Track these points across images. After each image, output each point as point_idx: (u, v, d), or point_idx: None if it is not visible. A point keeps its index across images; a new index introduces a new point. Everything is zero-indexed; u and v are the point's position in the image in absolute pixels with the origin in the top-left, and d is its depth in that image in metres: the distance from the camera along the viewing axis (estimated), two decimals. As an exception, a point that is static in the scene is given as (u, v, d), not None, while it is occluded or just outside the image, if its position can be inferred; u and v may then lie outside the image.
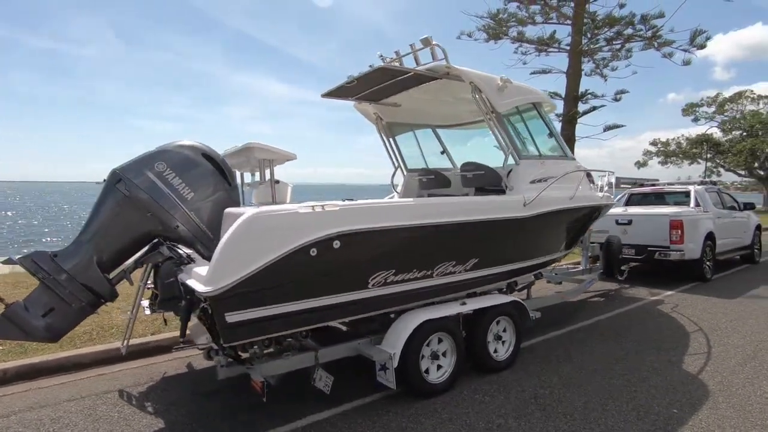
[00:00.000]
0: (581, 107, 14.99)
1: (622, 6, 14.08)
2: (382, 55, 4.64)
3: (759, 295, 7.52)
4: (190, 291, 3.16)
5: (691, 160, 36.10)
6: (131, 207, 3.47)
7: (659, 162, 37.96)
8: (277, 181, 4.56)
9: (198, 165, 3.66)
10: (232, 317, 2.88)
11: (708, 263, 8.51)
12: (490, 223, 4.21)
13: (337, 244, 3.19)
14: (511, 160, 4.81)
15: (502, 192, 4.89)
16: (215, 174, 3.72)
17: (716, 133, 34.60)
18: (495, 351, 4.33)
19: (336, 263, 3.23)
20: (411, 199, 4.94)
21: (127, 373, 4.47)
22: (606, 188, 6.37)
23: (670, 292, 7.66)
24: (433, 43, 4.30)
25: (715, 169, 35.76)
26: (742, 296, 7.41)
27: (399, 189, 6.66)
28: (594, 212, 6.04)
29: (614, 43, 15.57)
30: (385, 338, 3.75)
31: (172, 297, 3.65)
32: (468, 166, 5.34)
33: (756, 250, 10.52)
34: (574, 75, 15.54)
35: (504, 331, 4.43)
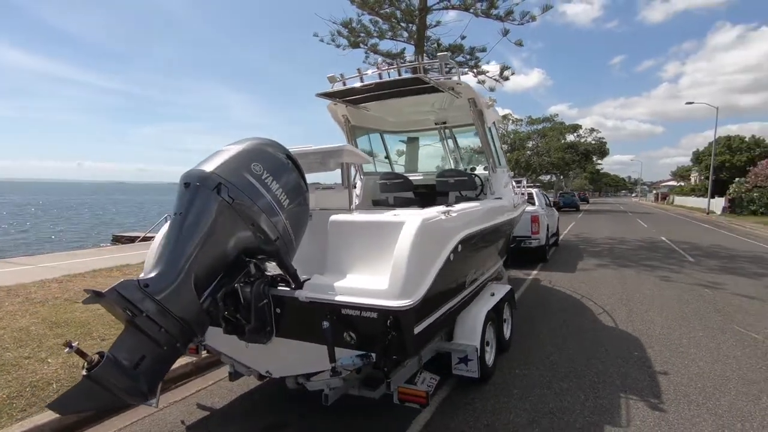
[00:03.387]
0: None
1: (463, 38, 16.77)
2: (379, 64, 4.87)
3: (583, 267, 10.51)
4: (335, 309, 2.83)
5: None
6: (234, 217, 2.79)
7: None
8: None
9: (287, 167, 3.17)
10: (418, 328, 2.77)
11: (547, 248, 11.35)
12: (508, 223, 4.93)
13: (459, 247, 3.37)
14: (480, 168, 5.67)
15: (476, 197, 5.68)
16: (299, 178, 3.31)
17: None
18: (504, 332, 5.09)
19: (457, 266, 3.40)
20: (490, 202, 5.01)
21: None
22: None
23: (535, 272, 9.94)
24: (451, 60, 4.75)
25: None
26: (577, 269, 10.23)
27: (357, 191, 6.73)
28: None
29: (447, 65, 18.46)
30: (457, 333, 4.02)
31: (264, 324, 3.09)
32: (449, 172, 5.93)
33: (558, 237, 14.48)
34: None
35: (508, 314, 5.23)
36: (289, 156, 3.23)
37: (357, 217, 3.20)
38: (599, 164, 58.66)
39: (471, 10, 17.12)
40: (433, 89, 5.02)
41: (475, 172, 6.09)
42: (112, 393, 2.29)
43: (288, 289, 3.09)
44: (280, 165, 3.11)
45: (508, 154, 40.76)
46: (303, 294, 2.94)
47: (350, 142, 6.47)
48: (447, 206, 3.74)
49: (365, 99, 5.52)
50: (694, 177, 62.02)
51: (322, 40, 17.38)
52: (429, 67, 5.64)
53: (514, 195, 6.09)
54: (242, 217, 2.82)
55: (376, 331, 2.79)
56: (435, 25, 17.82)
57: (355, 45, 17.31)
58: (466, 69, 18.49)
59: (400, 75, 5.09)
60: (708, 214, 34.87)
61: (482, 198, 5.65)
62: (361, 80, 5.76)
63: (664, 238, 17.20)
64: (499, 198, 5.37)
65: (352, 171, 4.48)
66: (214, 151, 3.07)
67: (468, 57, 17.78)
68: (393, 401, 3.14)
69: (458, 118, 6.67)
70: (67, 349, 2.20)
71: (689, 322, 6.20)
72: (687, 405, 3.82)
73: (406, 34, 18.01)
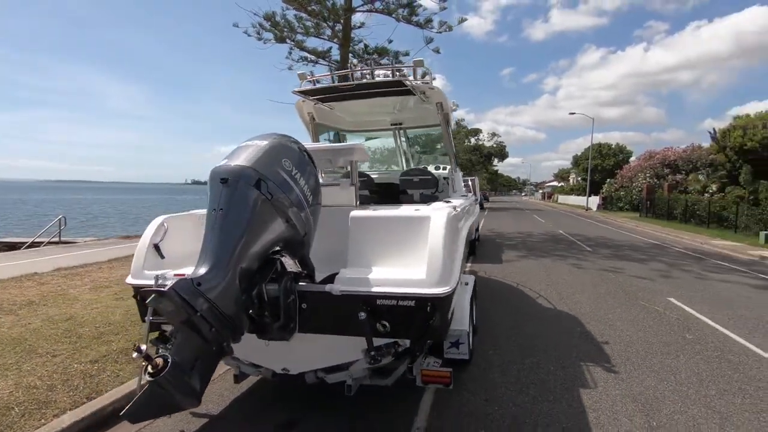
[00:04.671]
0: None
1: (390, 41, 17.28)
2: (354, 64, 5.06)
3: (507, 259, 11.65)
4: (370, 300, 2.95)
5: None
6: (272, 213, 2.76)
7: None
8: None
9: (308, 164, 3.21)
10: (449, 313, 3.00)
11: (476, 241, 12.33)
12: (477, 217, 5.40)
13: (464, 240, 3.70)
14: (446, 170, 6.13)
15: (435, 197, 6.11)
16: (317, 174, 3.36)
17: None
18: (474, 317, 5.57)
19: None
20: (469, 198, 5.31)
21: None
22: None
23: (469, 264, 10.77)
24: (425, 66, 5.10)
25: None
26: (504, 261, 11.30)
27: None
28: None
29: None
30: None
31: (289, 321, 3.08)
32: (414, 171, 6.24)
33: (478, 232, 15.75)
34: (343, 89, 17.95)
35: (474, 301, 5.72)
36: (306, 152, 3.27)
37: (378, 212, 3.34)
38: (496, 166, 64.14)
39: (393, 15, 17.75)
40: (408, 92, 5.29)
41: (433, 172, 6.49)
42: (173, 397, 2.19)
43: (316, 284, 3.13)
44: (304, 161, 3.15)
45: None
46: (336, 288, 3.01)
47: (314, 140, 6.47)
48: (446, 202, 4.04)
49: (338, 98, 5.59)
50: (572, 178, 70.88)
51: (246, 32, 16.67)
52: (402, 71, 5.87)
53: (470, 192, 6.64)
54: (279, 212, 2.82)
55: (414, 319, 2.98)
56: (360, 27, 18.14)
57: (281, 40, 16.90)
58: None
59: (373, 77, 5.26)
60: (587, 210, 40.26)
61: (440, 196, 6.07)
62: (333, 80, 5.83)
63: (561, 232, 19.60)
64: (465, 195, 5.84)
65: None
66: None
67: (393, 60, 18.40)
68: (416, 384, 3.34)
69: (413, 119, 7.03)
70: (135, 354, 2.06)
71: (607, 301, 7.33)
72: (631, 366, 4.62)
73: (329, 32, 18.08)
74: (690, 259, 12.56)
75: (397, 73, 5.18)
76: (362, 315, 2.96)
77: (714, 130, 34.32)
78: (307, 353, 3.30)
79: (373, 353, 2.97)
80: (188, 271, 3.44)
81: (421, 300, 2.90)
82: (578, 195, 53.14)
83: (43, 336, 4.85)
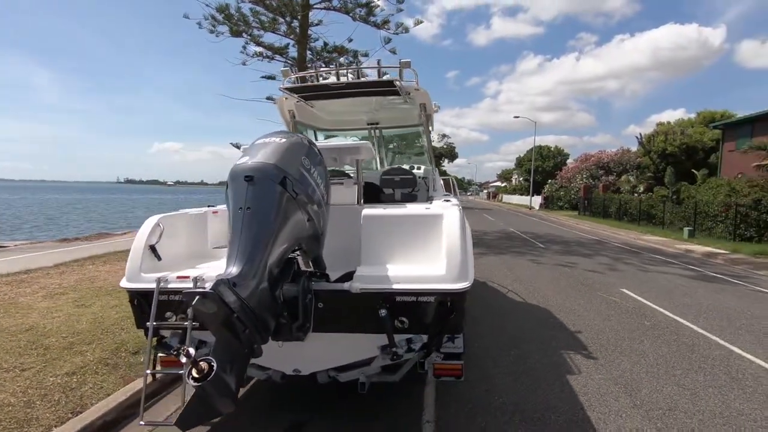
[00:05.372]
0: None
1: (350, 41, 17.26)
2: (341, 64, 5.11)
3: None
4: (390, 297, 3.00)
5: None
6: (296, 211, 2.72)
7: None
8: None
9: (321, 161, 3.21)
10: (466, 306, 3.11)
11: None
12: None
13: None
14: (420, 170, 6.28)
15: (414, 195, 6.25)
16: (327, 172, 3.35)
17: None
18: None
19: None
20: (457, 197, 5.38)
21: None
22: None
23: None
24: (411, 68, 5.22)
25: None
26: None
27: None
28: None
29: (330, 65, 18.76)
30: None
31: (306, 321, 3.05)
32: (394, 171, 6.31)
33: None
34: (300, 86, 17.70)
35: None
36: (318, 150, 3.26)
37: (390, 211, 3.39)
38: (445, 167, 65.98)
39: (351, 14, 17.75)
40: (394, 92, 5.36)
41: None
42: (216, 402, 2.11)
43: (333, 282, 3.13)
44: (319, 159, 3.15)
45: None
46: (356, 286, 3.03)
47: (293, 137, 6.37)
48: (446, 200, 4.16)
49: (322, 96, 5.54)
50: (515, 178, 74.50)
51: (198, 24, 15.89)
52: (387, 73, 5.92)
53: (450, 192, 6.83)
54: (302, 210, 2.80)
55: (433, 314, 3.06)
56: (318, 24, 17.96)
57: (236, 34, 16.34)
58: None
59: (358, 77, 5.29)
60: (530, 209, 42.52)
61: (418, 195, 6.21)
62: (317, 78, 5.77)
63: (513, 229, 20.59)
64: (447, 194, 6.01)
65: None
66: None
67: (352, 59, 18.36)
68: (428, 378, 3.44)
69: (390, 119, 7.11)
70: (184, 359, 1.97)
71: (570, 294, 7.85)
72: (605, 352, 5.02)
73: (285, 28, 17.74)
74: (629, 253, 13.71)
75: (387, 75, 5.25)
76: (383, 312, 3.00)
77: (640, 135, 37.60)
78: (319, 353, 3.28)
79: (394, 349, 3.02)
80: (189, 272, 3.31)
81: (442, 295, 2.99)
82: (521, 195, 55.94)
83: (3, 349, 4.40)
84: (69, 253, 10.49)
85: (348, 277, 3.18)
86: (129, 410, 3.68)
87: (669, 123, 38.01)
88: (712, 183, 21.19)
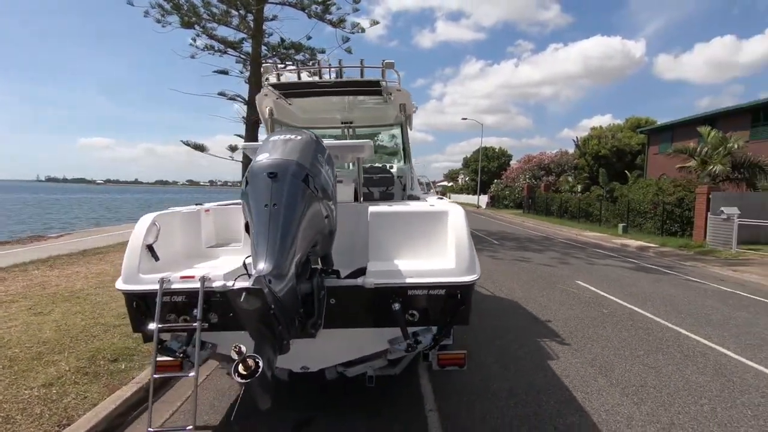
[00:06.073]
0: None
1: (309, 38, 17.04)
2: (323, 63, 5.15)
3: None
4: (401, 292, 3.09)
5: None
6: (317, 208, 2.74)
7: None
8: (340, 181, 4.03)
9: (331, 159, 3.24)
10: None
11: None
12: None
13: None
14: (396, 167, 6.45)
15: (391, 194, 6.40)
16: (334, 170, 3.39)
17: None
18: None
19: None
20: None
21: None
22: None
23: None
24: (394, 68, 5.36)
25: None
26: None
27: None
28: None
29: (286, 62, 18.40)
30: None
31: (319, 317, 3.08)
32: (373, 170, 6.39)
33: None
34: (255, 83, 17.19)
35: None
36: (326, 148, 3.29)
37: (395, 208, 3.48)
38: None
39: (306, 11, 17.56)
40: (376, 92, 5.45)
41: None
42: (257, 399, 2.12)
43: (345, 278, 3.18)
44: (329, 157, 3.18)
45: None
46: (370, 281, 3.09)
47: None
48: (440, 198, 4.32)
49: (302, 94, 5.50)
50: (461, 178, 76.96)
51: (146, 13, 14.96)
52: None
53: (430, 190, 7.03)
54: (322, 207, 2.83)
55: (444, 306, 3.19)
56: (272, 19, 17.58)
57: (187, 25, 15.58)
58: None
59: (340, 75, 5.33)
60: (478, 207, 44.18)
61: (395, 193, 6.36)
62: (299, 76, 5.72)
63: (466, 227, 21.33)
64: (426, 192, 6.20)
65: None
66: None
67: (308, 56, 18.14)
68: (432, 368, 3.57)
69: (364, 119, 7.18)
70: (235, 356, 1.95)
71: (532, 287, 8.35)
72: (576, 337, 5.44)
73: (236, 21, 17.22)
74: (575, 248, 14.75)
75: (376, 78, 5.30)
76: (396, 306, 3.10)
77: (577, 138, 40.39)
78: (328, 349, 3.31)
79: (409, 341, 3.12)
80: (190, 272, 3.21)
81: (452, 288, 3.14)
82: (468, 194, 57.93)
83: (-41, 363, 3.98)
84: (2, 258, 9.51)
85: (355, 274, 3.24)
86: (119, 419, 3.50)
87: (601, 127, 41.17)
88: (641, 183, 23.24)
